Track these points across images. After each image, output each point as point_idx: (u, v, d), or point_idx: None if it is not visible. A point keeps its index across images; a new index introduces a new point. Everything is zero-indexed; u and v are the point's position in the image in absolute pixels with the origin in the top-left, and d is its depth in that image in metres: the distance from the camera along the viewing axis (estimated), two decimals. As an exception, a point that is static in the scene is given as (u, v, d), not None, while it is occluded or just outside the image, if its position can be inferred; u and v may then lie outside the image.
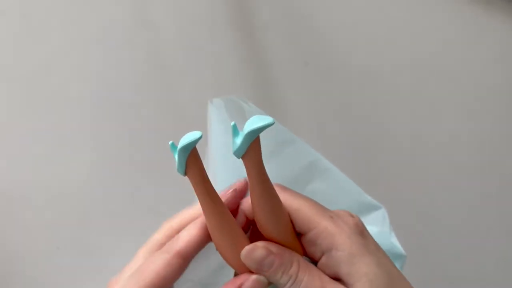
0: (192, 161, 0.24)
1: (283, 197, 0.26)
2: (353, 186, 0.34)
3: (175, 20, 0.47)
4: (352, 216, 0.27)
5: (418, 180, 0.51)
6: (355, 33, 0.48)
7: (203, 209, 0.25)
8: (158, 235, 0.28)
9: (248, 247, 0.25)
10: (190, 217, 0.28)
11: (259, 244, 0.25)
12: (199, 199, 0.25)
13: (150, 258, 0.26)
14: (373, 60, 0.48)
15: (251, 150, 0.23)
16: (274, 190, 0.25)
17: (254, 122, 0.23)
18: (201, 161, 0.24)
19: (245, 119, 0.23)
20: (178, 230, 0.27)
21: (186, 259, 0.26)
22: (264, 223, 0.25)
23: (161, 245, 0.27)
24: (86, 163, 0.48)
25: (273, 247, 0.25)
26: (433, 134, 0.50)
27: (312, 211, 0.25)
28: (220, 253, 0.26)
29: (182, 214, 0.29)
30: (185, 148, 0.23)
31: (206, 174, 0.25)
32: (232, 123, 0.23)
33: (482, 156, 0.50)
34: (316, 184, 0.33)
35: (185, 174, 0.24)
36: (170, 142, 0.24)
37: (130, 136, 0.48)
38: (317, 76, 0.49)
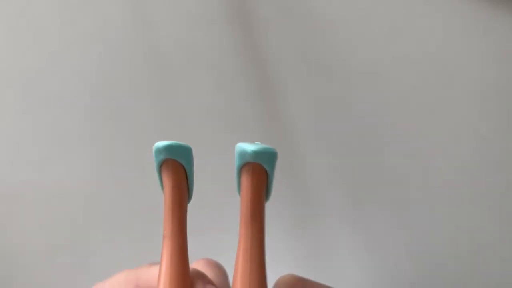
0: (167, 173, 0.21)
1: None
2: None
3: (174, 19, 0.47)
4: None
5: (420, 180, 0.51)
6: (356, 31, 0.47)
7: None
8: None
9: None
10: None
11: None
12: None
13: None
14: (373, 59, 0.48)
15: (241, 184, 0.21)
16: (262, 251, 0.21)
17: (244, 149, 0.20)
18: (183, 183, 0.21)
19: None
20: None
21: None
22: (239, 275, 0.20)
23: None
24: (85, 163, 0.48)
25: None
26: (436, 133, 0.49)
27: None
28: None
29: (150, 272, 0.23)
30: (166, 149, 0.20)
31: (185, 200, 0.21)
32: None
33: (487, 156, 0.50)
34: None
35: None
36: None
37: (129, 136, 0.48)
38: (318, 75, 0.48)
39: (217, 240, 0.48)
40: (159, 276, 0.21)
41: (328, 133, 0.50)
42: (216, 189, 0.47)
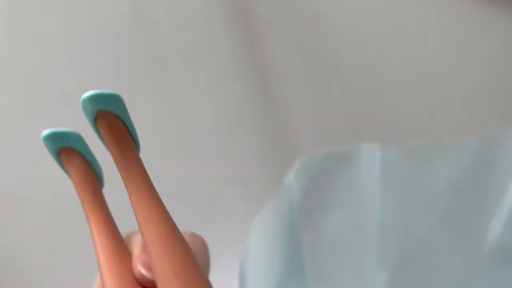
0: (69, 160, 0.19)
1: None
2: None
3: (174, 18, 0.47)
4: None
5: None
6: (356, 31, 0.47)
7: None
8: None
9: None
10: None
11: None
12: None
13: None
14: (373, 59, 0.48)
15: (102, 136, 0.19)
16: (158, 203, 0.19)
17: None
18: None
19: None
20: None
21: None
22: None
23: None
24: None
25: None
26: (436, 133, 0.49)
27: None
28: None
29: None
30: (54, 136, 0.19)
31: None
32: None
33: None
34: None
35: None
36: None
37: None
38: (318, 75, 0.48)
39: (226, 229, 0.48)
40: (96, 252, 0.21)
41: (328, 134, 0.50)
42: (222, 189, 0.47)
